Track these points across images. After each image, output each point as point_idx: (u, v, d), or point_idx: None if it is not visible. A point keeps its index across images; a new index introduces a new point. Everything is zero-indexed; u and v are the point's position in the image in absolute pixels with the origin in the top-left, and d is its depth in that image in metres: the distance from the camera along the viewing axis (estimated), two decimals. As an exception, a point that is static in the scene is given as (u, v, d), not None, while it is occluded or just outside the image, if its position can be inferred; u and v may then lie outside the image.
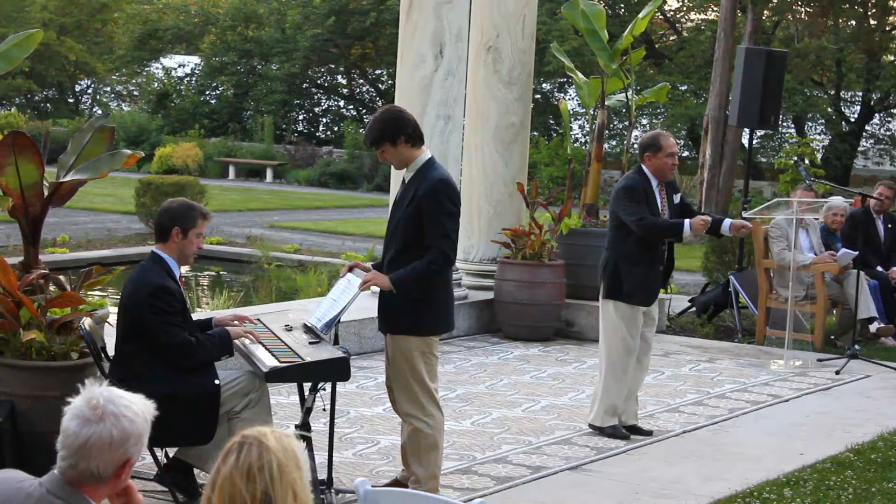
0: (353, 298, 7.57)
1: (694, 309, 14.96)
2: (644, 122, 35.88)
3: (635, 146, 12.38)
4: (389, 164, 7.97)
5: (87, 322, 7.62)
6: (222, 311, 9.95)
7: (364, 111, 42.10)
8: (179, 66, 44.90)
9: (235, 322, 7.76)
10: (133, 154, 8.63)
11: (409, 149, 7.54)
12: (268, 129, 37.29)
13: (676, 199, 9.73)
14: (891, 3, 32.45)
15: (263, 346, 7.55)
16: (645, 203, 9.41)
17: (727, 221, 9.86)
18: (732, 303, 14.42)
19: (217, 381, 7.29)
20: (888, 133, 37.66)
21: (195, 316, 7.88)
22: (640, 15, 14.93)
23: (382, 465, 8.51)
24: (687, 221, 9.46)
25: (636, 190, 9.45)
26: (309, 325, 7.85)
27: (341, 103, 43.98)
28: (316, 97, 43.76)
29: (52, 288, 8.28)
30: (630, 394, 9.71)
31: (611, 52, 14.62)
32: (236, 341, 7.58)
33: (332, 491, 7.57)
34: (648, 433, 9.73)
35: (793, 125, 35.94)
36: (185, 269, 7.65)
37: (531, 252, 13.28)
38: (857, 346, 12.79)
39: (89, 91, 48.89)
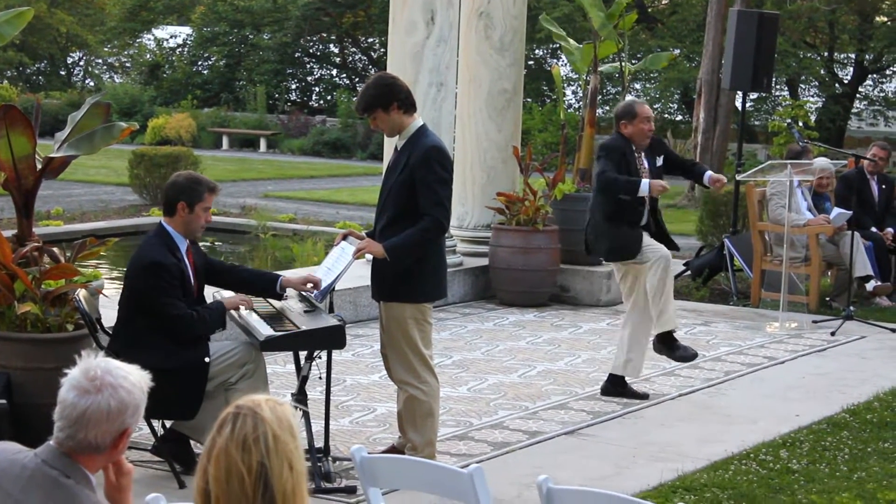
0: (348, 267, 7.57)
1: (689, 273, 14.97)
2: (637, 86, 35.83)
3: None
4: (381, 132, 7.96)
5: (81, 294, 7.63)
6: (293, 272, 9.88)
7: (357, 79, 41.99)
8: (171, 37, 44.71)
9: (309, 284, 7.73)
10: (128, 127, 8.62)
11: (402, 116, 7.53)
12: (260, 99, 37.21)
13: (659, 161, 9.76)
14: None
15: (259, 315, 7.56)
16: (621, 163, 9.50)
17: (708, 173, 9.87)
18: (727, 266, 14.44)
19: (207, 359, 7.30)
20: (881, 94, 37.62)
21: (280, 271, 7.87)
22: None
23: (379, 433, 8.53)
24: (646, 181, 9.45)
25: (614, 149, 9.56)
26: (304, 293, 7.86)
27: (334, 72, 43.87)
28: (308, 66, 43.63)
29: (46, 260, 8.29)
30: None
31: (606, 13, 14.58)
32: (232, 311, 7.59)
33: (329, 459, 7.59)
34: (644, 396, 9.80)
35: (786, 88, 35.88)
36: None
37: (525, 218, 13.28)
38: (852, 308, 12.82)
39: (81, 63, 48.77)
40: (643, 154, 9.66)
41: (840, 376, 10.73)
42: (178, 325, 7.24)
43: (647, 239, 9.57)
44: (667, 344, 9.71)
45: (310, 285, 7.72)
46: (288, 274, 8.21)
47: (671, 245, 9.81)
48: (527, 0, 14.46)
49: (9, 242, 8.07)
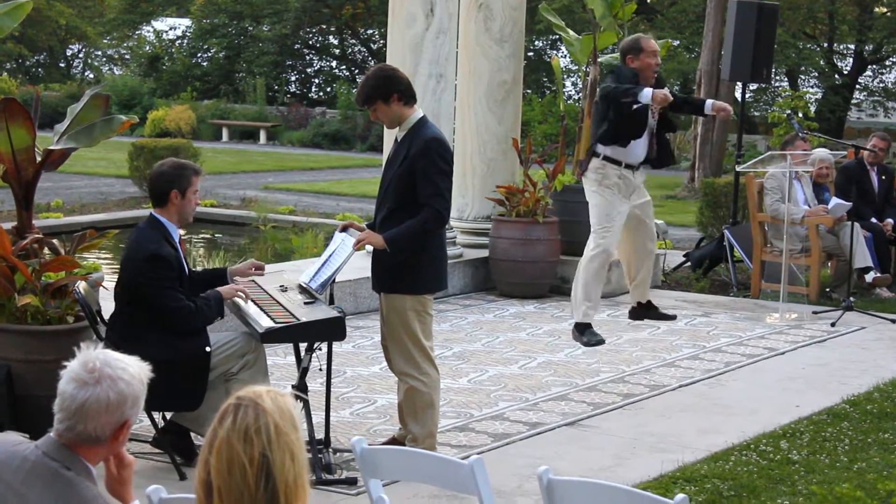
0: (348, 258, 7.57)
1: (689, 264, 14.97)
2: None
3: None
4: (382, 124, 7.96)
5: (81, 286, 7.63)
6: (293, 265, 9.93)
7: (356, 71, 41.98)
8: (170, 29, 44.72)
9: (252, 269, 7.79)
10: (127, 120, 8.62)
11: (402, 107, 7.52)
12: (260, 91, 37.21)
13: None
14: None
15: (258, 306, 7.56)
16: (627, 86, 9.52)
17: (709, 102, 9.93)
18: (727, 257, 14.43)
19: (208, 349, 7.30)
20: (881, 85, 37.61)
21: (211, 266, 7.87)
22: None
23: (379, 424, 8.53)
24: (648, 89, 9.46)
25: (623, 76, 9.61)
26: (304, 285, 7.86)
27: (333, 64, 43.87)
28: (308, 58, 43.63)
29: (46, 252, 8.29)
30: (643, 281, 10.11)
31: (606, 3, 14.56)
32: (231, 301, 7.59)
33: (330, 450, 7.60)
34: (673, 317, 10.51)
35: (786, 78, 35.88)
36: (181, 232, 7.61)
37: (525, 209, 13.27)
38: (852, 299, 12.82)
39: (80, 55, 48.77)
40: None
41: (840, 367, 10.73)
42: (178, 316, 7.24)
43: (620, 209, 9.70)
44: (579, 329, 9.92)
45: (254, 269, 7.87)
46: (287, 267, 8.22)
47: (667, 159, 9.92)
48: (526, -9, 14.44)
49: (9, 235, 8.07)
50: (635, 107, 9.43)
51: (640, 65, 9.62)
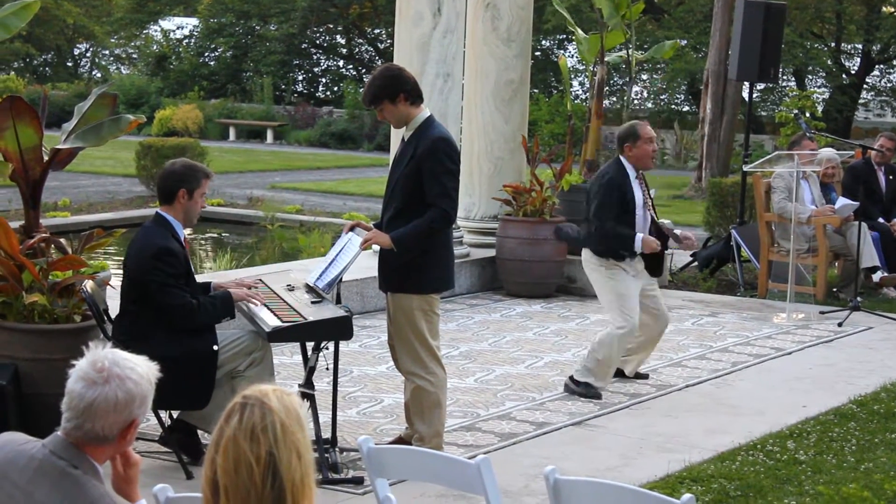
0: (355, 257, 7.57)
1: (696, 263, 14.97)
2: (644, 77, 35.79)
3: (635, 101, 12.37)
4: (389, 123, 7.96)
5: (88, 285, 7.64)
6: (223, 274, 9.94)
7: (363, 70, 41.96)
8: (178, 28, 44.74)
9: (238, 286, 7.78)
10: (135, 119, 8.62)
11: (409, 107, 7.53)
12: (267, 90, 37.22)
13: (653, 192, 9.75)
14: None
15: (266, 306, 7.56)
16: (618, 202, 9.40)
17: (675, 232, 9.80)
18: (734, 257, 14.43)
19: (215, 347, 7.30)
20: (889, 85, 37.55)
21: (197, 278, 7.87)
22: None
23: (386, 424, 8.53)
24: (639, 238, 9.36)
25: (612, 187, 9.44)
26: (311, 284, 7.86)
27: (340, 63, 43.85)
28: (315, 57, 43.61)
29: (53, 251, 8.30)
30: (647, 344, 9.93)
31: (615, 2, 14.57)
32: (239, 303, 7.59)
33: (337, 449, 7.60)
34: (645, 377, 9.99)
35: (793, 78, 35.82)
36: (187, 232, 7.63)
37: (532, 209, 13.28)
38: (859, 299, 12.81)
39: (88, 54, 48.79)
40: (642, 183, 9.59)
41: (847, 367, 10.72)
42: (181, 313, 7.23)
43: (632, 293, 9.50)
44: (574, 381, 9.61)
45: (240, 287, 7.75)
46: (294, 266, 8.21)
47: (656, 270, 9.78)
48: (534, -9, 14.44)
49: (16, 233, 8.08)
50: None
51: (638, 153, 9.48)
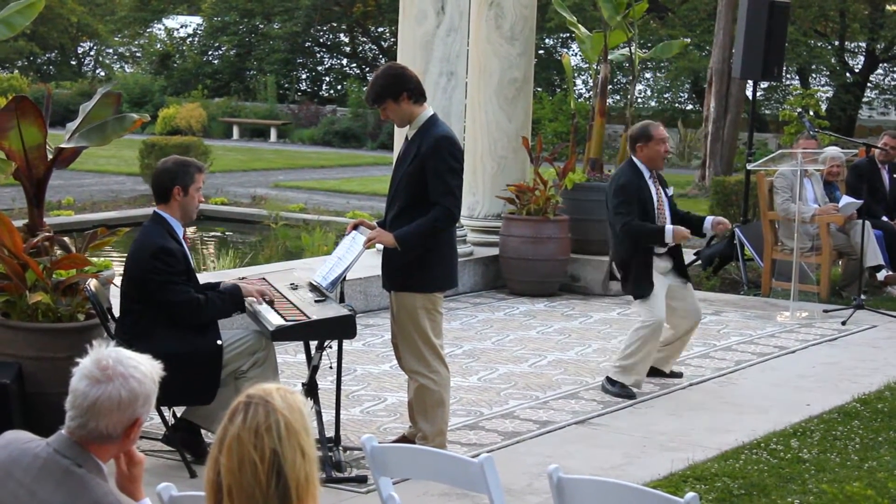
0: (358, 256, 7.57)
1: (699, 262, 14.95)
2: (647, 75, 35.78)
3: (639, 100, 12.36)
4: (392, 122, 7.96)
5: (92, 283, 7.64)
6: (226, 273, 9.94)
7: (367, 69, 41.97)
8: (181, 27, 44.78)
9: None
10: (139, 118, 8.63)
11: (412, 106, 7.52)
12: (271, 89, 37.24)
13: (669, 191, 9.75)
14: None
15: (269, 304, 7.56)
16: (637, 200, 9.42)
17: (708, 220, 9.77)
18: (738, 255, 14.42)
19: (219, 342, 7.30)
20: (892, 83, 37.55)
21: (201, 278, 7.87)
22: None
23: (390, 422, 8.54)
24: (669, 228, 9.38)
25: (628, 188, 9.46)
26: (314, 283, 7.87)
27: (344, 61, 43.87)
28: (319, 56, 43.64)
29: (57, 250, 8.30)
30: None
31: (615, 3, 14.56)
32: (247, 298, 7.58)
33: (340, 448, 7.60)
34: (679, 375, 10.07)
35: (796, 77, 35.82)
36: (190, 230, 7.64)
37: (536, 207, 13.27)
38: (862, 297, 12.80)
39: (92, 53, 48.82)
40: (656, 181, 9.62)
41: (851, 366, 10.72)
42: (186, 309, 7.23)
43: (658, 290, 9.52)
44: (610, 380, 9.62)
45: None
46: (297, 265, 8.21)
47: (684, 275, 9.81)
48: (537, -11, 14.44)
49: (20, 232, 8.09)
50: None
51: (650, 153, 9.49)
